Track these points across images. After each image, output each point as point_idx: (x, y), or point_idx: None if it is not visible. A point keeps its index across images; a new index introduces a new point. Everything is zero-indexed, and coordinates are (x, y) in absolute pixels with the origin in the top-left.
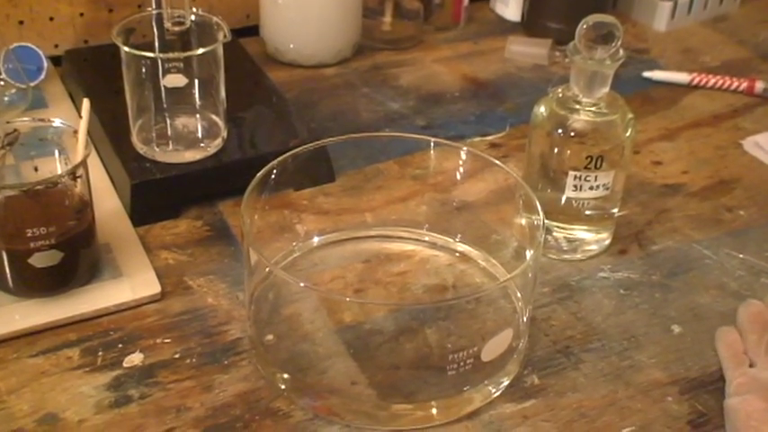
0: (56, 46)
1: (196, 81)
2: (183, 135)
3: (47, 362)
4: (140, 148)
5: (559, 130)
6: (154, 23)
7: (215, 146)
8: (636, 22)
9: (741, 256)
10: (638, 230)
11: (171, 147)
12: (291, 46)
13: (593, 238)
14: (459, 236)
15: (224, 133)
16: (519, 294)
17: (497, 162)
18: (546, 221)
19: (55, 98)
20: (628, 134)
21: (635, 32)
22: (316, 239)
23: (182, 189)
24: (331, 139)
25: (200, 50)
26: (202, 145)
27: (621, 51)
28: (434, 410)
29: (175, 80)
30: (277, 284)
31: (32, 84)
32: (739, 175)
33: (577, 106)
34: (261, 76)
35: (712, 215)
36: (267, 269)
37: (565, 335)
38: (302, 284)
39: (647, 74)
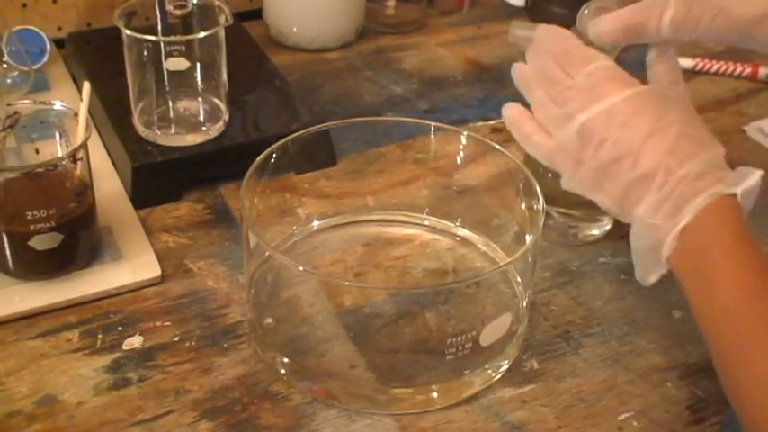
0: (59, 28)
1: (198, 64)
2: (184, 118)
3: (46, 344)
4: (142, 130)
5: None
6: (157, 6)
7: (216, 129)
8: None
9: None
10: None
11: (172, 130)
12: (294, 29)
13: (593, 224)
14: (459, 220)
15: (225, 116)
16: (519, 279)
17: (498, 147)
18: (546, 206)
19: (58, 81)
20: None
21: None
22: (316, 223)
23: (183, 172)
24: (332, 122)
25: (202, 34)
26: (204, 128)
27: None
28: (433, 394)
29: (177, 63)
30: (276, 268)
31: (35, 66)
32: (742, 160)
33: None
34: (264, 60)
35: None
36: (267, 253)
37: (565, 319)
38: (301, 268)
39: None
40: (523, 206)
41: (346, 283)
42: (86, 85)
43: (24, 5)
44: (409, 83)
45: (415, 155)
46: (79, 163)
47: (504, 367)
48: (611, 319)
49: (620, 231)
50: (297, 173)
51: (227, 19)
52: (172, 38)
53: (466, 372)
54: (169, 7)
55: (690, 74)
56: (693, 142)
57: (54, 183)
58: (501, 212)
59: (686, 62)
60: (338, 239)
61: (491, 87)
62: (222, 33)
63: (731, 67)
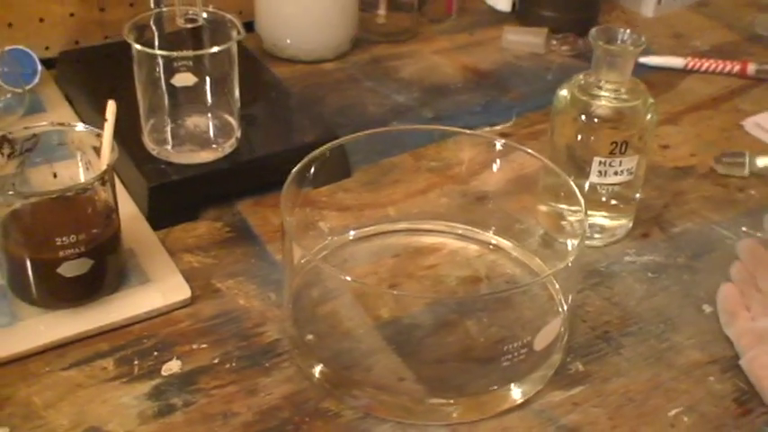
0: (46, 48)
1: (207, 79)
2: (194, 135)
3: (81, 374)
4: (152, 148)
5: (583, 116)
6: (152, 23)
7: (229, 145)
8: (625, 8)
9: (759, 234)
10: (657, 213)
11: (185, 147)
12: (288, 41)
13: (615, 224)
14: (484, 226)
15: (238, 133)
16: (557, 286)
17: (529, 151)
18: (568, 207)
19: (52, 101)
20: (649, 118)
21: (625, 19)
22: (344, 235)
23: (200, 190)
24: (354, 135)
25: (215, 49)
26: (215, 145)
27: (643, 37)
28: (486, 402)
29: (185, 79)
30: (314, 281)
31: (28, 87)
32: None
33: (599, 92)
34: (265, 73)
35: (726, 196)
36: (305, 265)
37: (602, 320)
38: (349, 278)
39: (642, 59)
40: (543, 208)
41: (394, 292)
42: (111, 104)
43: (10, 25)
44: (410, 91)
45: (429, 163)
46: (105, 185)
47: (552, 371)
48: (646, 318)
49: (642, 230)
50: (314, 187)
51: (238, 32)
52: (183, 53)
53: (517, 377)
54: (179, 21)
55: (682, 73)
56: None
57: (82, 206)
58: (523, 216)
59: (677, 61)
60: (367, 251)
61: (492, 93)
62: (235, 48)
63: (720, 65)
